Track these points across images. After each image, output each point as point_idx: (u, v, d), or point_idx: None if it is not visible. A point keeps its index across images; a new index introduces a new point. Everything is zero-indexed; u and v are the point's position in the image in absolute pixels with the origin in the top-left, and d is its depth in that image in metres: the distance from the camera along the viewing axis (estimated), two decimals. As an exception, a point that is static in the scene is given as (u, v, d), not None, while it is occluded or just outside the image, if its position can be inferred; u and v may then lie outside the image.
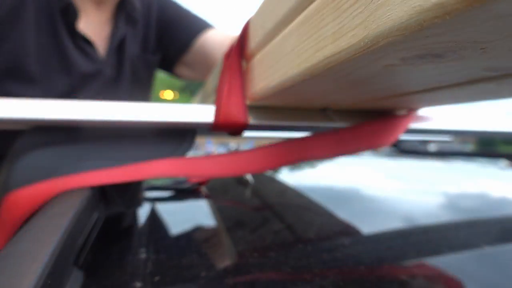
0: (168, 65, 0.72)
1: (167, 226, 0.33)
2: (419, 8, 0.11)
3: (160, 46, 0.68)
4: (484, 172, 0.72)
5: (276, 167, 0.34)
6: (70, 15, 0.54)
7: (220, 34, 0.67)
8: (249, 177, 0.52)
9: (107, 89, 0.60)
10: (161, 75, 0.82)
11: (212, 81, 0.52)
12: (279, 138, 0.35)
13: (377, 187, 0.51)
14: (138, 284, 0.21)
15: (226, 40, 0.63)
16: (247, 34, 0.30)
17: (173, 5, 0.70)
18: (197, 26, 0.67)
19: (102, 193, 0.32)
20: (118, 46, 0.61)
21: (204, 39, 0.66)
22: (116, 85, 0.62)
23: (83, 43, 0.57)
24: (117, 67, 0.61)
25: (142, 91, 0.68)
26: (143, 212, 0.36)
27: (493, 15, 0.10)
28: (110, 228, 0.31)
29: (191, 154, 0.32)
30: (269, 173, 0.64)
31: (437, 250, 0.27)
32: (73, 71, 0.56)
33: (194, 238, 0.29)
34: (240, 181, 0.52)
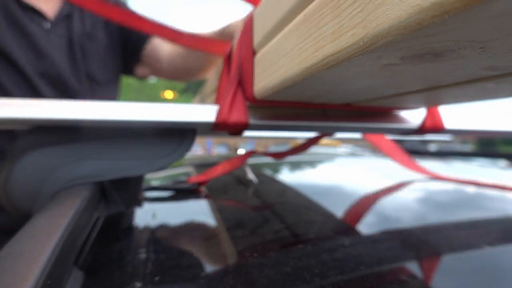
0: (131, 67, 0.78)
1: (167, 226, 0.33)
2: (418, 7, 0.11)
3: (108, 32, 0.74)
4: (484, 172, 0.72)
5: None
6: None
7: None
8: (252, 176, 0.52)
9: (63, 58, 0.66)
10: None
11: (212, 81, 0.52)
12: (279, 138, 0.35)
13: (377, 187, 0.51)
14: (138, 284, 0.21)
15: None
16: (247, 34, 0.30)
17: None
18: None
19: (102, 193, 0.32)
20: (65, 18, 0.67)
21: (153, 44, 0.74)
22: (69, 56, 0.67)
23: (34, 14, 0.63)
24: (66, 37, 0.67)
25: (99, 66, 0.72)
26: (143, 212, 0.36)
27: (492, 14, 0.10)
28: (110, 228, 0.31)
29: (190, 153, 0.32)
30: (269, 173, 0.64)
31: (437, 250, 0.27)
32: (30, 38, 0.62)
33: (194, 238, 0.29)
34: (242, 181, 0.52)
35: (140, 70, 0.79)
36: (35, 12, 0.64)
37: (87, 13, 0.70)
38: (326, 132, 0.49)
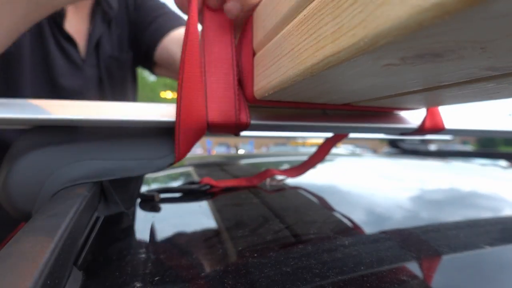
0: (148, 66, 0.72)
1: (167, 226, 0.33)
2: (418, 8, 0.11)
3: (132, 46, 0.68)
4: (484, 172, 0.72)
5: None
6: (57, 13, 0.54)
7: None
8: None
9: (89, 89, 0.60)
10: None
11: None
12: (279, 138, 0.35)
13: (377, 187, 0.51)
14: (138, 284, 0.21)
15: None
16: (247, 34, 0.30)
17: (148, 3, 0.69)
18: (162, 28, 0.66)
19: (102, 193, 0.32)
20: (96, 45, 0.61)
21: (169, 39, 0.66)
22: (96, 85, 0.62)
23: (65, 42, 0.56)
24: (96, 66, 0.61)
25: (122, 90, 0.68)
26: (143, 212, 0.36)
27: (493, 15, 0.10)
28: (110, 228, 0.31)
29: (191, 153, 0.32)
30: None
31: (437, 250, 0.27)
32: (55, 74, 0.55)
33: (194, 238, 0.29)
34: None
35: (157, 70, 0.73)
36: (70, 43, 0.57)
37: (115, 32, 0.64)
38: (339, 135, 0.49)
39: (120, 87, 0.67)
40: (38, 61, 0.54)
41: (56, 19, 0.54)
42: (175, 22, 0.67)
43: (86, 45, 0.60)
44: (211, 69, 0.30)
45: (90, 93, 0.61)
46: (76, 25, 0.59)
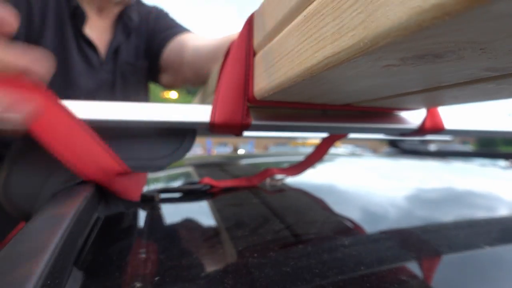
0: (153, 75, 0.75)
1: (167, 226, 0.33)
2: (418, 8, 0.11)
3: (146, 54, 0.72)
4: (484, 172, 0.72)
5: None
6: (78, 17, 0.59)
7: (193, 37, 0.69)
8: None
9: (102, 91, 0.64)
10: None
11: (212, 81, 0.52)
12: (279, 138, 0.35)
13: (377, 187, 0.51)
14: (138, 284, 0.21)
15: (199, 40, 0.65)
16: (247, 34, 0.30)
17: (162, 15, 0.74)
18: (167, 34, 0.70)
19: (102, 193, 0.32)
20: (114, 52, 0.66)
21: (173, 44, 0.69)
22: (110, 90, 0.66)
23: (86, 46, 0.61)
24: (112, 72, 0.66)
25: (135, 97, 0.71)
26: (143, 212, 0.36)
27: (493, 16, 0.10)
28: (110, 228, 0.31)
29: (190, 153, 0.32)
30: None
31: (437, 250, 0.27)
32: (73, 74, 0.60)
33: (194, 238, 0.29)
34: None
35: (164, 78, 0.74)
36: (90, 47, 0.61)
37: (134, 41, 0.69)
38: (337, 135, 0.49)
39: (132, 94, 0.70)
40: (58, 59, 0.58)
41: (78, 23, 0.60)
42: (184, 29, 0.72)
43: (105, 51, 0.65)
44: (228, 69, 0.31)
45: (103, 94, 0.64)
46: (98, 33, 0.64)
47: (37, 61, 0.24)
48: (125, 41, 0.68)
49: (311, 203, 0.42)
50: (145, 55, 0.71)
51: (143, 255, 0.25)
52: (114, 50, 0.66)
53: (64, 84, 0.59)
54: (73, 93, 0.60)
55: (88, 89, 0.62)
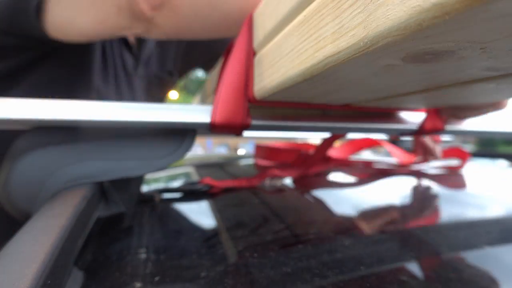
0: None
1: (167, 226, 0.33)
2: (418, 8, 0.11)
3: (187, 62, 0.75)
4: (484, 172, 0.72)
5: None
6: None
7: None
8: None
9: (131, 97, 0.66)
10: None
11: (212, 81, 0.52)
12: (279, 138, 0.35)
13: (377, 187, 0.51)
14: (138, 284, 0.21)
15: None
16: (247, 34, 0.30)
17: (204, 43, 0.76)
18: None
19: (102, 193, 0.32)
20: (146, 61, 0.67)
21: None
22: (136, 96, 0.68)
23: (126, 52, 0.63)
24: (142, 79, 0.68)
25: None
26: (143, 212, 0.36)
27: (493, 15, 0.10)
28: (110, 228, 0.31)
29: (191, 153, 0.32)
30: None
31: (437, 250, 0.27)
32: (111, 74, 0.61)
33: (194, 238, 0.29)
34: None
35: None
36: (130, 54, 0.63)
37: (164, 55, 0.70)
38: (338, 134, 0.49)
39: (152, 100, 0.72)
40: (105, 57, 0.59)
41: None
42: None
43: (139, 60, 0.67)
44: (228, 69, 0.31)
45: (138, 95, 0.66)
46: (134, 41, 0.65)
47: None
48: (157, 52, 0.69)
49: (311, 204, 0.42)
50: (177, 67, 0.73)
51: (143, 255, 0.25)
52: (147, 60, 0.67)
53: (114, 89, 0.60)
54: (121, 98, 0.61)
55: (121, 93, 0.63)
